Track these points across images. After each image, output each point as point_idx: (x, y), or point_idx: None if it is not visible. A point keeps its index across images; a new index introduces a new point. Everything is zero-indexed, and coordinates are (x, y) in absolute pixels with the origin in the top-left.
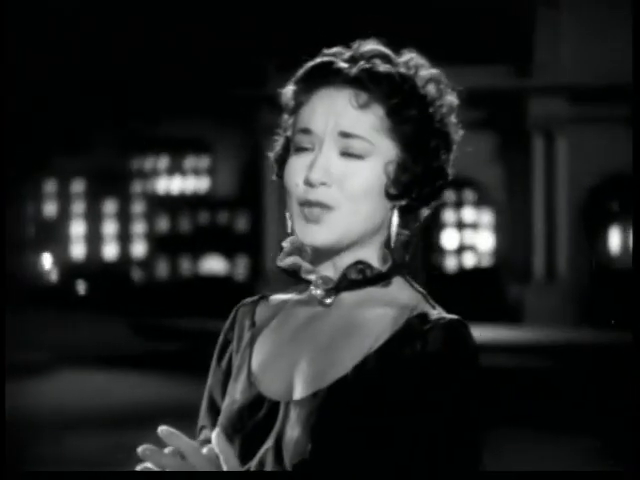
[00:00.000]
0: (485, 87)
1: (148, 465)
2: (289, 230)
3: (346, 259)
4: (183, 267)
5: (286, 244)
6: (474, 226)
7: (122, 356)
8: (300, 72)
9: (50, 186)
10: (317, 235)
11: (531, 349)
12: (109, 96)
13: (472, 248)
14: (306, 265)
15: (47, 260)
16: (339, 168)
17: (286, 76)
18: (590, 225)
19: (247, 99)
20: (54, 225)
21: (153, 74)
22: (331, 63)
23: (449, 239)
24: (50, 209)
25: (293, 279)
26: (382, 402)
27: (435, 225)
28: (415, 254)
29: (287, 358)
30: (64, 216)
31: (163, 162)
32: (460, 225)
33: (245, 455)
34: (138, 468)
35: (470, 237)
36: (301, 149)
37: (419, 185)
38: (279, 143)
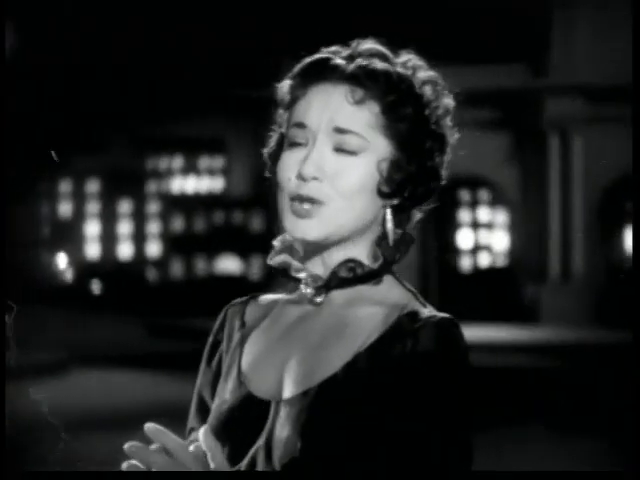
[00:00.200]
0: (500, 87)
1: (134, 462)
2: (280, 226)
3: (336, 257)
4: (198, 267)
5: (277, 242)
6: (489, 226)
7: (137, 356)
8: (297, 67)
9: (65, 186)
10: (307, 230)
11: (547, 349)
12: (124, 96)
13: (487, 248)
14: (296, 263)
15: (62, 260)
16: (332, 164)
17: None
18: (606, 225)
19: (262, 99)
20: (69, 225)
21: (168, 74)
22: (328, 59)
23: (464, 239)
24: (65, 209)
25: (284, 278)
26: (372, 400)
27: (450, 225)
28: (428, 254)
29: (277, 357)
30: (79, 216)
31: (178, 162)
32: (475, 225)
33: (235, 455)
34: (124, 465)
35: (485, 237)
36: (295, 144)
37: (412, 184)
38: (273, 139)
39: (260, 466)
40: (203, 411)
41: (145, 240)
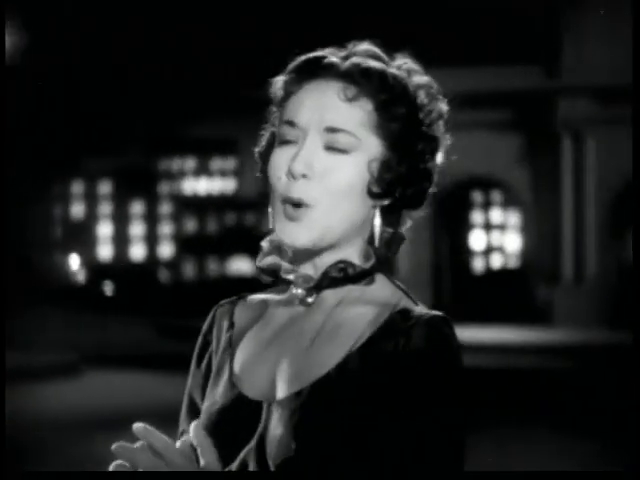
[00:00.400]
0: (513, 88)
1: (121, 462)
2: (270, 227)
3: (327, 258)
4: (210, 268)
5: (265, 243)
6: (502, 227)
7: (149, 356)
8: (291, 64)
9: (77, 187)
10: (296, 235)
11: (559, 350)
12: (136, 98)
13: (500, 249)
14: (286, 265)
15: (74, 261)
16: (322, 162)
17: None
18: (618, 226)
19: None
20: (82, 226)
21: (181, 75)
22: (323, 57)
23: (477, 240)
24: (78, 210)
25: (274, 279)
26: (365, 400)
27: (463, 226)
28: (440, 255)
29: (269, 359)
30: (91, 217)
31: (190, 163)
32: (488, 226)
33: (226, 456)
34: (111, 466)
35: (498, 238)
36: (285, 142)
37: (402, 185)
38: (264, 137)
39: (252, 467)
40: (194, 413)
41: (157, 241)
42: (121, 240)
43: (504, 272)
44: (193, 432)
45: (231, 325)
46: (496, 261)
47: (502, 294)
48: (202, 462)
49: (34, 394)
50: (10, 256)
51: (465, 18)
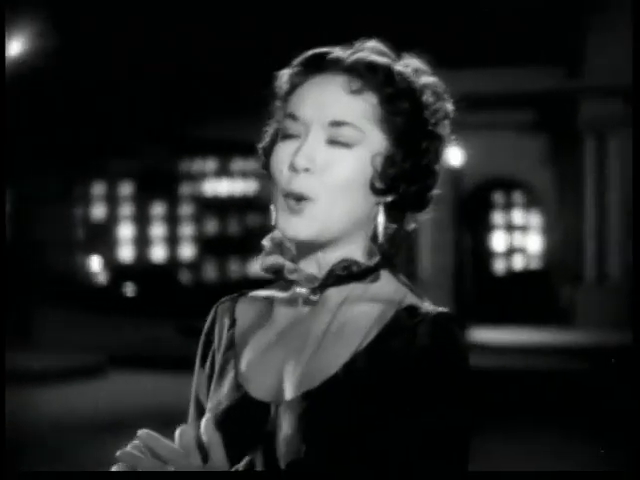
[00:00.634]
0: (536, 89)
1: (122, 466)
2: (273, 223)
3: (330, 255)
4: (231, 269)
5: (266, 242)
6: (524, 228)
7: (171, 358)
8: (297, 59)
9: (98, 188)
10: (298, 228)
11: (582, 352)
12: (157, 99)
13: (522, 250)
14: (289, 264)
15: (96, 262)
16: (324, 156)
17: None
18: None
19: None
20: (102, 227)
21: (202, 75)
22: (329, 52)
23: (499, 241)
24: (98, 212)
25: (277, 279)
26: (374, 399)
27: (484, 227)
28: (462, 256)
29: (275, 359)
30: (112, 218)
31: (211, 164)
32: (510, 227)
33: (232, 457)
34: (114, 468)
35: (520, 239)
36: (288, 136)
37: (406, 182)
38: (268, 133)
39: (259, 469)
40: (202, 413)
41: (178, 242)
42: (142, 241)
43: (526, 273)
44: (203, 428)
45: (233, 323)
46: (518, 262)
47: (524, 295)
48: (211, 459)
49: (59, 395)
50: (32, 258)
51: (488, 19)
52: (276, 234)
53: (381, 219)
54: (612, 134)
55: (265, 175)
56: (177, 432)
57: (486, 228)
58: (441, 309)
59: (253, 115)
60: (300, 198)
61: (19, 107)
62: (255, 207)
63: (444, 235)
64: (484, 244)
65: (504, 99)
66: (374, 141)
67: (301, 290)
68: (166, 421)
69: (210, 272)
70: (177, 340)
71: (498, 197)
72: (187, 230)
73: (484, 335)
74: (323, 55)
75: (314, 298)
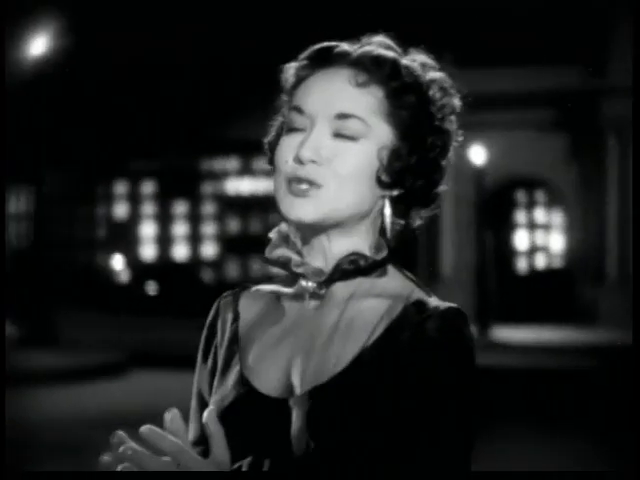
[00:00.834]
0: (559, 87)
1: (128, 465)
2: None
3: (337, 248)
4: (254, 268)
5: (273, 235)
6: (546, 227)
7: (192, 357)
8: (304, 53)
9: (121, 188)
10: (303, 211)
11: (604, 351)
12: (179, 98)
13: (544, 249)
14: (296, 258)
15: (118, 261)
16: (330, 148)
17: None
18: None
19: None
20: (125, 226)
21: (225, 74)
22: (336, 45)
23: (521, 240)
24: (121, 210)
25: (284, 271)
26: (382, 394)
27: (507, 226)
28: (484, 255)
29: (283, 354)
30: (135, 217)
31: (233, 163)
32: (532, 226)
33: (236, 452)
34: (119, 467)
35: (542, 238)
36: (293, 129)
37: (412, 175)
38: (274, 127)
39: (267, 465)
40: (204, 408)
41: (200, 241)
42: (164, 240)
43: (548, 272)
44: (207, 420)
45: (236, 317)
46: (540, 261)
47: (546, 294)
48: (212, 452)
49: (81, 394)
50: (55, 257)
51: (508, 18)
52: (282, 227)
53: (388, 212)
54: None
55: (271, 170)
56: (167, 416)
57: (508, 227)
58: (449, 304)
59: (275, 113)
60: (308, 183)
61: (41, 106)
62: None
63: (466, 234)
64: (506, 243)
65: (527, 98)
66: (380, 134)
67: (307, 284)
68: (188, 419)
69: (232, 271)
70: (199, 339)
71: (520, 196)
72: (209, 229)
73: (505, 334)
74: (330, 49)
75: (321, 292)
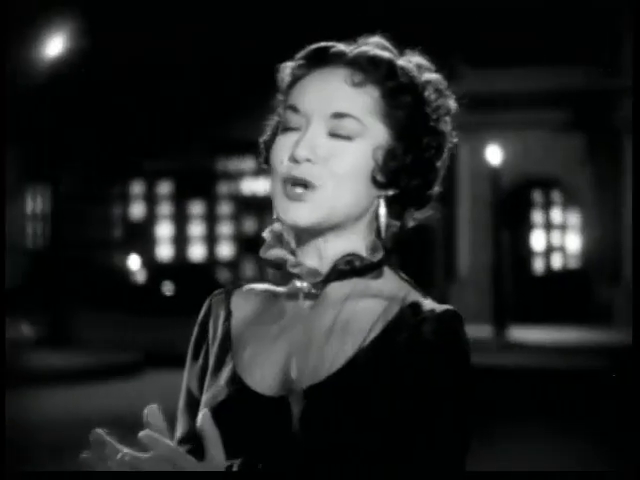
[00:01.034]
0: (575, 88)
1: (86, 456)
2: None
3: (332, 248)
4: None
5: (267, 234)
6: (562, 227)
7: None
8: (301, 52)
9: (137, 188)
10: (299, 214)
11: (620, 351)
12: (196, 98)
13: (560, 249)
14: (291, 258)
15: (135, 261)
16: (325, 147)
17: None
18: None
19: None
20: (141, 226)
21: (240, 75)
22: (333, 45)
23: (537, 240)
24: (137, 211)
25: (278, 271)
26: (377, 395)
27: (523, 226)
28: (501, 255)
29: (277, 353)
30: (151, 217)
31: (249, 163)
32: (548, 226)
33: (229, 451)
34: (82, 457)
35: (558, 238)
36: (288, 129)
37: (407, 175)
38: (269, 127)
39: (258, 464)
40: (192, 405)
41: (217, 241)
42: (181, 240)
43: (564, 272)
44: (201, 422)
45: (228, 315)
46: (556, 261)
47: (562, 294)
48: (209, 454)
49: (96, 393)
50: (72, 257)
51: (525, 18)
52: (276, 226)
53: (383, 212)
54: None
55: (267, 170)
56: (146, 411)
57: (525, 227)
58: (445, 307)
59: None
60: (303, 184)
61: (58, 107)
62: None
63: (483, 234)
64: (523, 243)
65: (543, 98)
66: (375, 134)
67: (302, 284)
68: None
69: (248, 271)
70: None
71: (537, 196)
72: (225, 229)
73: (522, 334)
74: (326, 48)
75: (316, 292)
